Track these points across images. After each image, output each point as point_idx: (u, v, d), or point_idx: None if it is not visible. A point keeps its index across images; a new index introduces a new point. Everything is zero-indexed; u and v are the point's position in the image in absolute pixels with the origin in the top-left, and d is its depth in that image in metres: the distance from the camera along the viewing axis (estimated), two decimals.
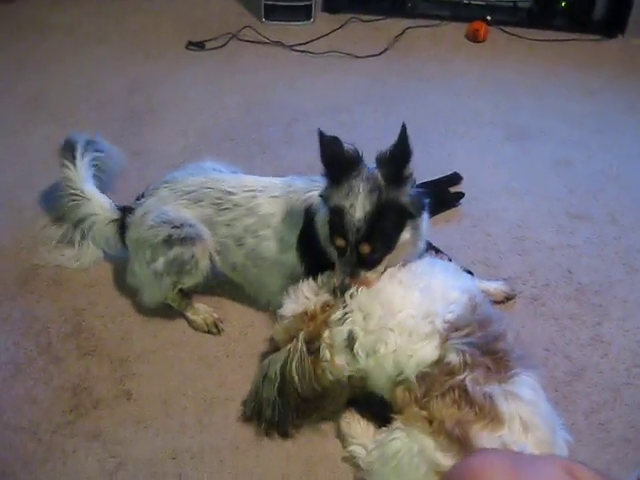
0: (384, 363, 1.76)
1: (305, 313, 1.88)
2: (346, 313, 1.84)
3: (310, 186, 2.14)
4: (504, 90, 3.63)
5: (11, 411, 2.05)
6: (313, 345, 1.86)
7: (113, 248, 2.43)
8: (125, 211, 2.34)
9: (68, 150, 2.47)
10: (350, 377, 1.89)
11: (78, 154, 2.46)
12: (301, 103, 3.48)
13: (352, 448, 1.89)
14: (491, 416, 1.58)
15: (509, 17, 4.25)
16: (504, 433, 1.56)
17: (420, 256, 2.03)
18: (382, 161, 1.85)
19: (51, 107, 3.44)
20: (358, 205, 1.79)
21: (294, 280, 2.12)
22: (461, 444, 1.56)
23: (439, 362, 1.69)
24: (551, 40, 4.06)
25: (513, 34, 4.12)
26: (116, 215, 2.37)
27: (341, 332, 1.84)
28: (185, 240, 2.14)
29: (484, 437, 1.56)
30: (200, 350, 2.24)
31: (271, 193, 2.18)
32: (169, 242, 2.14)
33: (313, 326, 1.86)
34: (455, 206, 2.78)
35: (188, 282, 2.22)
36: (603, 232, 2.70)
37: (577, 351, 2.22)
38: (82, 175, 2.44)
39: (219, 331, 2.28)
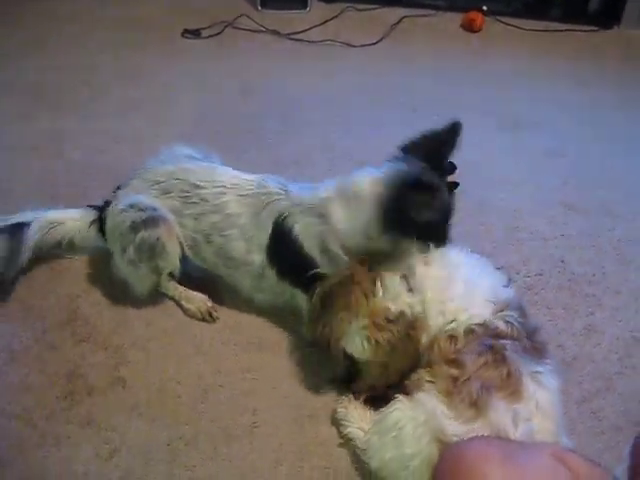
0: (445, 310, 1.79)
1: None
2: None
3: (283, 194, 2.09)
4: (499, 80, 3.64)
5: (5, 398, 2.05)
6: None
7: (103, 242, 2.41)
8: (103, 207, 2.32)
9: (17, 231, 2.32)
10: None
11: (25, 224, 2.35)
12: (297, 92, 3.48)
13: (349, 430, 1.89)
14: (514, 388, 1.61)
15: (505, 7, 4.27)
16: (519, 407, 1.59)
17: None
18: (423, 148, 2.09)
19: (48, 96, 3.43)
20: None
21: (264, 282, 2.14)
22: (477, 410, 1.57)
23: (487, 326, 1.73)
24: (547, 31, 4.07)
25: (509, 24, 4.13)
26: (93, 216, 2.35)
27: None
28: (147, 222, 2.12)
29: (501, 406, 1.57)
30: (195, 338, 2.23)
31: (240, 191, 2.13)
32: (134, 227, 2.12)
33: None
34: None
35: (165, 266, 2.20)
36: (597, 223, 2.70)
37: (570, 340, 2.23)
38: (41, 216, 2.37)
39: (213, 319, 2.28)
